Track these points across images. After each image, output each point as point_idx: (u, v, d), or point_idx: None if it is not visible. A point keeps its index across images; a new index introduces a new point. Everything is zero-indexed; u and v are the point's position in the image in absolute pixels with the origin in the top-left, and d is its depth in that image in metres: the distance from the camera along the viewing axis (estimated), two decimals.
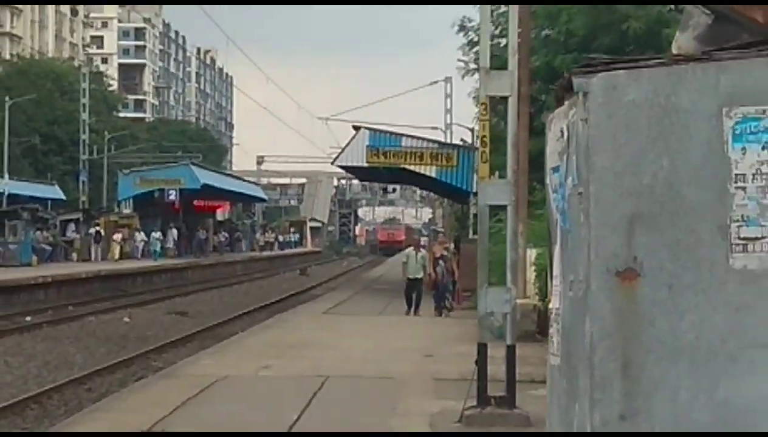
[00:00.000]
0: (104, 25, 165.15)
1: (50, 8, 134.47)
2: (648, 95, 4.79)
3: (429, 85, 66.66)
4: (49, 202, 70.70)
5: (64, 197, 75.95)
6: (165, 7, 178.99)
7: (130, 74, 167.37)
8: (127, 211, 69.64)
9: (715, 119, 4.76)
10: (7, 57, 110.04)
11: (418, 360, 19.22)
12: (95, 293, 43.71)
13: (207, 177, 69.72)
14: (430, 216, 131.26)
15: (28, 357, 23.89)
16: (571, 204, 5.06)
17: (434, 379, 16.61)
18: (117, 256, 58.38)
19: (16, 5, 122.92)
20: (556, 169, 5.39)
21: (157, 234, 63.47)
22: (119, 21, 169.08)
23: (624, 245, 4.76)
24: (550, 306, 5.54)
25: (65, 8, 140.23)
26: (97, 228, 60.59)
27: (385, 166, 42.15)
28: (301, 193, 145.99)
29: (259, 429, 12.44)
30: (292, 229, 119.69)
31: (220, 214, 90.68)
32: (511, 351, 13.16)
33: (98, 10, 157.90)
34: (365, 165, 41.82)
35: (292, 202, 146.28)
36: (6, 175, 66.49)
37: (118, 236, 60.42)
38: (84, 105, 76.11)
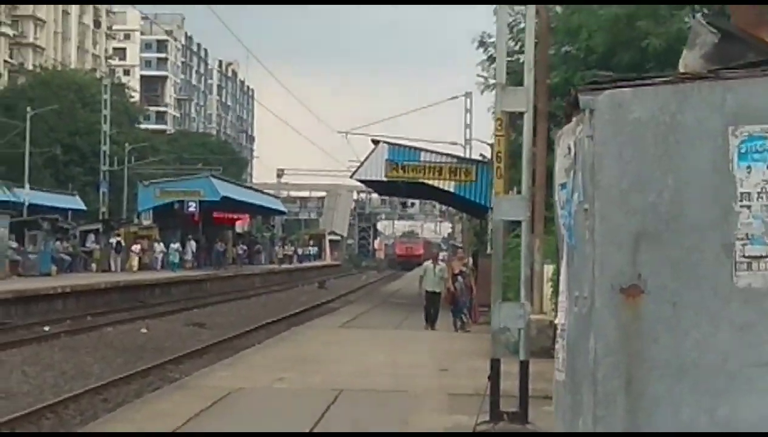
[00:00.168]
0: (127, 37, 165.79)
1: (73, 20, 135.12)
2: (654, 113, 4.80)
3: (449, 100, 66.81)
4: (70, 212, 71.05)
5: (84, 208, 76.26)
6: (187, 19, 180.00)
7: (151, 86, 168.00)
8: (146, 222, 69.90)
9: (721, 138, 4.77)
10: (30, 68, 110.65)
11: (433, 375, 19.21)
12: (114, 304, 43.87)
13: (226, 189, 69.92)
14: (450, 231, 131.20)
15: (46, 367, 23.98)
16: (576, 220, 5.09)
17: (448, 394, 16.60)
18: (136, 267, 58.60)
19: (40, 18, 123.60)
20: (563, 186, 5.42)
21: (176, 246, 63.65)
22: (142, 33, 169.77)
23: (629, 262, 4.78)
24: (556, 321, 5.57)
25: (88, 20, 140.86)
26: (118, 238, 60.85)
27: (404, 181, 42.13)
28: (320, 206, 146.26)
29: None
30: (311, 242, 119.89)
31: (240, 227, 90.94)
32: (524, 366, 13.15)
33: (121, 22, 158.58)
34: (384, 179, 41.82)
35: (312, 215, 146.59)
36: (27, 185, 66.76)
37: (136, 247, 60.70)
38: (105, 116, 76.41)
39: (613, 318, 4.79)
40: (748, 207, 4.75)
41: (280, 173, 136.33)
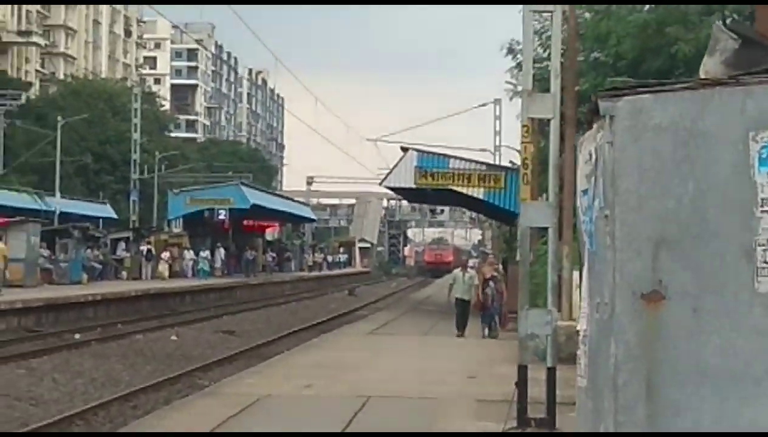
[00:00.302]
0: (157, 46, 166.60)
1: (104, 29, 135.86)
2: (674, 119, 4.81)
3: (478, 107, 66.73)
4: (101, 220, 71.42)
5: (115, 216, 76.61)
6: (217, 28, 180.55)
7: (182, 95, 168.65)
8: (177, 230, 70.10)
9: (741, 143, 4.77)
10: (62, 77, 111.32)
11: (461, 382, 19.19)
12: (144, 311, 44.02)
13: (256, 197, 70.04)
14: (480, 237, 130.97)
15: (76, 374, 24.08)
16: (597, 226, 5.09)
17: (476, 400, 16.58)
18: (164, 275, 58.81)
19: (71, 28, 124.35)
20: (585, 192, 5.42)
21: (205, 254, 63.81)
22: (172, 42, 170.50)
23: (649, 268, 4.78)
24: (578, 327, 5.57)
25: (119, 29, 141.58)
26: (148, 246, 61.09)
27: (433, 188, 42.09)
28: (350, 214, 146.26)
29: None
30: (341, 250, 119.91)
31: (270, 234, 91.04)
32: (551, 373, 13.11)
33: (151, 32, 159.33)
34: (413, 186, 41.79)
35: (342, 223, 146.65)
36: (58, 194, 67.11)
37: (166, 255, 60.88)
38: (136, 125, 76.75)
39: (634, 324, 4.79)
40: None
41: (310, 181, 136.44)
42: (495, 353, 24.38)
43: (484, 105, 65.14)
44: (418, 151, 41.67)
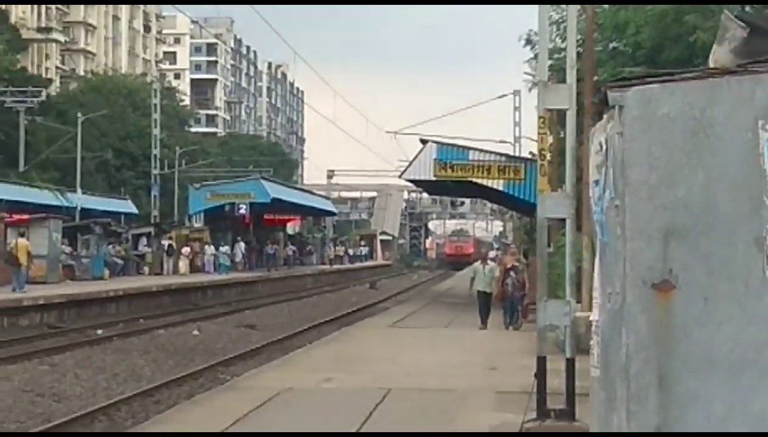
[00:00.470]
0: (177, 41, 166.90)
1: (124, 25, 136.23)
2: (683, 108, 4.81)
3: (498, 99, 66.59)
4: (122, 216, 71.64)
5: (136, 211, 76.82)
6: (236, 22, 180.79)
7: (202, 89, 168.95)
8: (198, 224, 70.27)
9: (751, 132, 4.77)
10: (82, 73, 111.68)
11: (482, 373, 19.20)
12: (165, 306, 44.19)
13: (277, 191, 70.14)
14: (501, 229, 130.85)
15: (98, 370, 24.20)
16: (608, 217, 5.10)
17: (496, 392, 16.59)
18: (184, 270, 58.96)
19: (91, 24, 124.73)
20: (596, 183, 5.43)
21: (225, 249, 63.97)
22: (191, 37, 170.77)
23: (659, 258, 4.79)
24: (591, 318, 5.58)
25: (138, 25, 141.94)
26: (170, 241, 61.27)
27: (453, 180, 42.07)
28: (371, 207, 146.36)
29: None
30: (362, 242, 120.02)
31: (291, 228, 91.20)
32: (570, 364, 13.10)
33: (171, 27, 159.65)
34: (433, 178, 41.77)
35: (363, 216, 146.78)
36: (79, 190, 67.36)
37: (186, 250, 61.05)
38: (156, 120, 76.94)
39: (645, 313, 4.80)
40: None
41: (331, 174, 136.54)
42: (516, 344, 24.36)
43: (503, 96, 65.03)
44: (437, 142, 41.65)
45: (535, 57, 38.10)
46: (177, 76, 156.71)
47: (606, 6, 31.77)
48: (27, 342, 29.15)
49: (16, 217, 48.06)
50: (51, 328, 33.57)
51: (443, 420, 14.06)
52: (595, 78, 24.50)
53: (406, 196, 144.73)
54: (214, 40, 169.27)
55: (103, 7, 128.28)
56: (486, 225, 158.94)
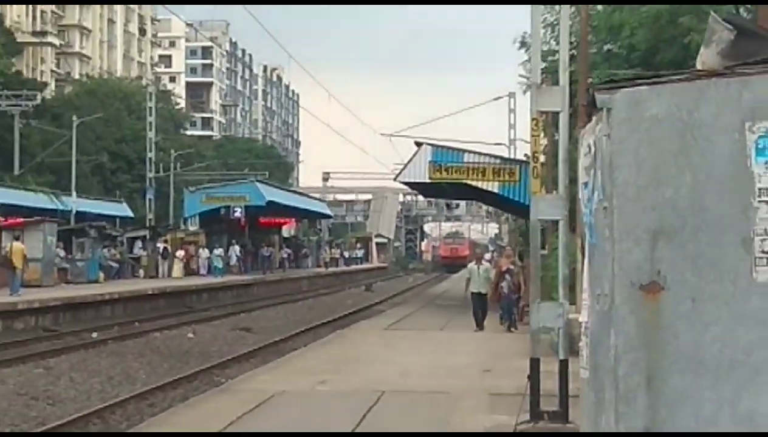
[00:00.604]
0: (172, 44, 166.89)
1: (119, 28, 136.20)
2: (670, 110, 4.83)
3: (492, 101, 66.51)
4: (117, 219, 71.58)
5: (131, 214, 76.75)
6: (231, 25, 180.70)
7: (197, 93, 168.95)
8: (193, 228, 70.24)
9: (738, 133, 4.79)
10: (77, 77, 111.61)
11: (476, 375, 19.22)
12: (161, 309, 44.16)
13: (272, 194, 70.13)
14: (496, 231, 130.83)
15: (93, 373, 24.18)
16: (597, 218, 5.12)
17: (490, 394, 16.61)
18: (178, 273, 58.94)
19: (86, 28, 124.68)
20: (585, 185, 5.45)
21: (219, 251, 63.96)
22: (187, 40, 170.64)
23: (647, 259, 4.80)
24: (580, 319, 5.60)
25: (133, 28, 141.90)
26: (165, 245, 61.26)
27: (448, 182, 42.06)
28: (367, 209, 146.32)
29: None
30: (358, 245, 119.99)
31: (286, 231, 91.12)
32: (563, 365, 13.13)
33: (166, 30, 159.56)
34: (428, 181, 41.74)
35: (358, 218, 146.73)
36: (74, 193, 67.31)
37: (180, 253, 61.03)
38: (151, 123, 76.90)
39: (633, 314, 4.82)
40: (767, 202, 4.76)
41: (326, 177, 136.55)
42: (512, 346, 24.37)
43: (498, 98, 64.95)
44: (432, 145, 41.62)
45: (530, 59, 38.16)
46: (172, 80, 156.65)
47: (600, 8, 31.83)
48: (22, 346, 29.13)
49: (11, 220, 48.03)
50: (46, 331, 33.55)
51: (437, 422, 14.08)
52: (590, 80, 24.54)
53: (401, 198, 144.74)
54: (209, 44, 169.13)
55: (98, 10, 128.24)
56: (481, 228, 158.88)
